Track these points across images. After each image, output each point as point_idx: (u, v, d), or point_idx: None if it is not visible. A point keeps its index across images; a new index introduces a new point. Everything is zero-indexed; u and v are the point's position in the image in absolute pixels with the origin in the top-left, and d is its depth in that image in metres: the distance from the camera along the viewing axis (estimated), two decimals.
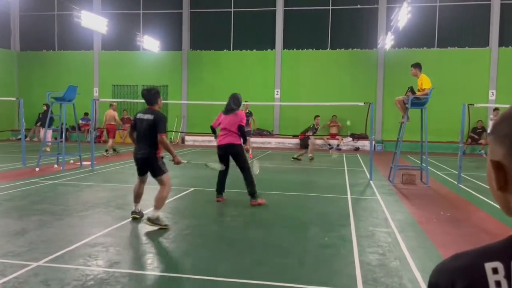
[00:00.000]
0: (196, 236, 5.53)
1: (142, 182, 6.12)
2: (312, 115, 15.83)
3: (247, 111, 15.19)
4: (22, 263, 4.24)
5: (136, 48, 21.24)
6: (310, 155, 14.38)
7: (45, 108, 17.05)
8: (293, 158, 14.53)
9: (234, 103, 7.51)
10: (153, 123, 5.73)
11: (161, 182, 5.82)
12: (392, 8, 18.99)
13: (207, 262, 4.51)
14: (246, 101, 15.42)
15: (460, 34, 19.55)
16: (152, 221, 5.57)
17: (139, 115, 5.94)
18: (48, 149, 15.28)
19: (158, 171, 5.81)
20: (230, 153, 7.40)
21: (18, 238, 5.11)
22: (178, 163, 6.12)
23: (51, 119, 12.18)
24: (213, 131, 7.85)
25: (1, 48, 22.56)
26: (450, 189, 9.42)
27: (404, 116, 9.81)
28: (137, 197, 6.13)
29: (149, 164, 5.86)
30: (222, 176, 7.59)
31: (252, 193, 7.30)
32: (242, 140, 7.45)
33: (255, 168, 7.89)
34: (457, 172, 10.20)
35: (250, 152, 15.35)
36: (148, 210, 6.17)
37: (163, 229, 5.54)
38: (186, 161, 6.10)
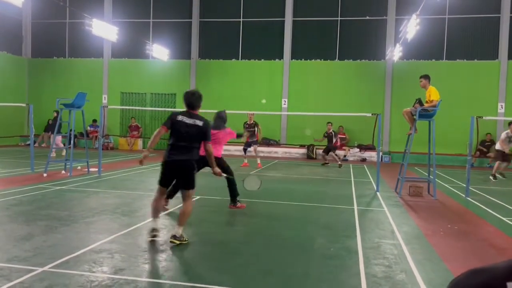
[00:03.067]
0: (201, 245, 5.52)
1: (163, 194, 5.58)
2: (319, 125, 15.82)
3: (252, 121, 15.08)
4: (28, 268, 4.26)
5: (145, 56, 21.46)
6: (339, 163, 16.38)
7: (55, 114, 17.52)
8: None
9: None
10: (202, 130, 5.28)
11: (189, 197, 5.39)
12: (400, 19, 19.02)
13: (212, 271, 4.50)
14: (249, 111, 15.45)
15: (469, 47, 19.48)
16: (178, 238, 5.22)
17: (182, 118, 5.26)
18: (54, 154, 15.59)
19: (192, 183, 5.35)
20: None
21: (24, 243, 5.14)
22: (219, 174, 5.77)
23: (60, 125, 12.33)
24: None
25: (13, 54, 22.87)
26: (457, 202, 9.33)
27: (412, 128, 9.78)
28: (158, 211, 5.47)
29: (185, 173, 5.30)
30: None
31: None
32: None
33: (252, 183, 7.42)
34: (465, 185, 10.11)
35: (259, 162, 15.26)
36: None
37: (183, 243, 5.26)
38: (225, 175, 5.59)
